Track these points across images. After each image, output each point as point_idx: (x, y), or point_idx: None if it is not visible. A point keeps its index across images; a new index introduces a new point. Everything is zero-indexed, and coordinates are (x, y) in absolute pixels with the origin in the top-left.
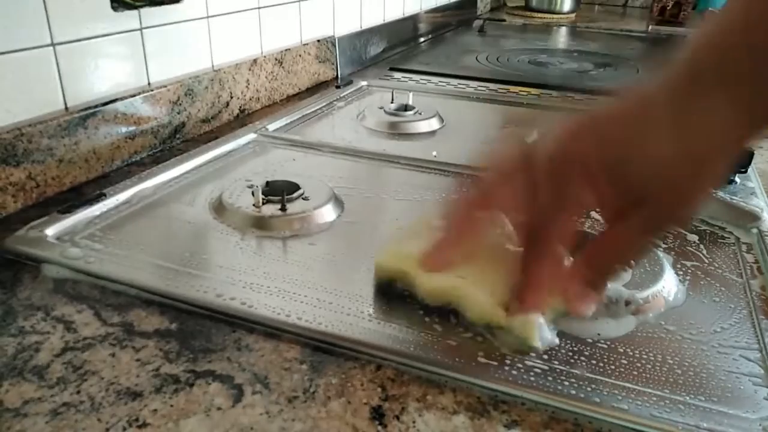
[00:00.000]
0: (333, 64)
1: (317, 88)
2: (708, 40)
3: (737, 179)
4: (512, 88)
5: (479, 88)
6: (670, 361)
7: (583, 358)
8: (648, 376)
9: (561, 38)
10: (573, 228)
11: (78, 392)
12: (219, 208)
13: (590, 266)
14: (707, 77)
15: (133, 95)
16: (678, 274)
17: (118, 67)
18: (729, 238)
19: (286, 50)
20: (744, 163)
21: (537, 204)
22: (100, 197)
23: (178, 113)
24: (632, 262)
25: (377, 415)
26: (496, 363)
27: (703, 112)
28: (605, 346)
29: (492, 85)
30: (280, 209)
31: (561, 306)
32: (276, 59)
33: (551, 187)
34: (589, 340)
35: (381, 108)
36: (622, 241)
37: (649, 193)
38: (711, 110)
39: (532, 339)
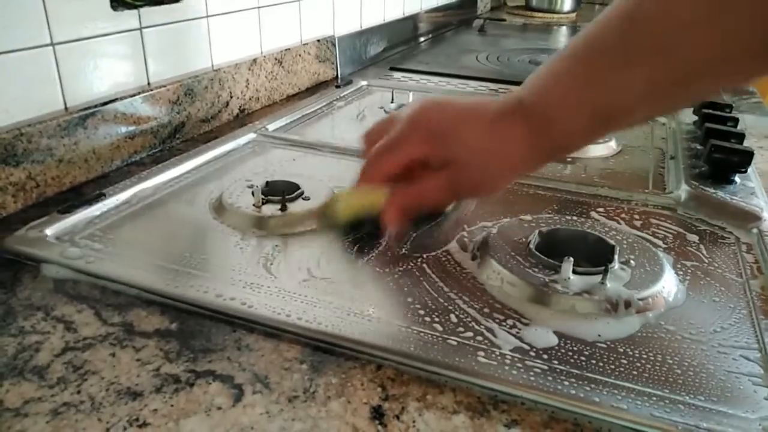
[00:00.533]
0: (333, 63)
1: (317, 87)
2: (530, 89)
3: (737, 179)
4: (513, 88)
5: (479, 88)
6: (670, 361)
7: (582, 358)
8: (648, 375)
9: (561, 38)
10: (396, 165)
11: (78, 392)
12: (219, 208)
13: (406, 195)
14: (517, 116)
15: (133, 95)
16: (678, 274)
17: (118, 67)
18: (729, 238)
19: (285, 50)
20: (744, 163)
21: (383, 141)
22: (100, 197)
23: (178, 113)
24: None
25: (377, 414)
26: (496, 363)
27: (507, 135)
28: (605, 346)
29: (492, 85)
30: (280, 209)
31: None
32: (276, 59)
33: (396, 136)
34: (589, 340)
35: (381, 108)
36: (430, 187)
37: (456, 162)
38: (511, 138)
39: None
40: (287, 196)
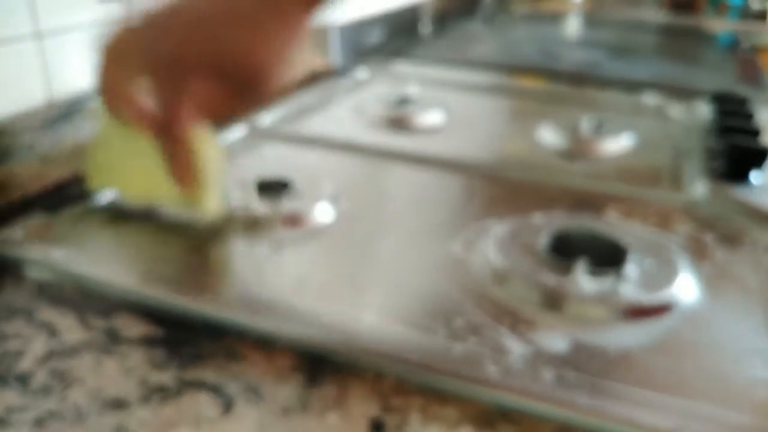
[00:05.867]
0: (331, 53)
1: (314, 79)
2: None
3: (755, 176)
4: (520, 79)
5: (485, 78)
6: (687, 368)
7: (595, 366)
8: (664, 383)
9: (571, 27)
10: (194, 113)
11: (63, 400)
12: None
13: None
14: None
15: None
16: (693, 276)
17: None
18: (745, 238)
19: None
20: (761, 160)
21: (160, 104)
22: (86, 196)
23: None
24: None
25: (377, 427)
26: (503, 371)
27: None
28: (619, 352)
29: (499, 76)
30: (273, 208)
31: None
32: None
33: (170, 89)
34: (603, 347)
35: (381, 100)
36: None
37: (237, 74)
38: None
39: (203, 205)
40: (281, 194)
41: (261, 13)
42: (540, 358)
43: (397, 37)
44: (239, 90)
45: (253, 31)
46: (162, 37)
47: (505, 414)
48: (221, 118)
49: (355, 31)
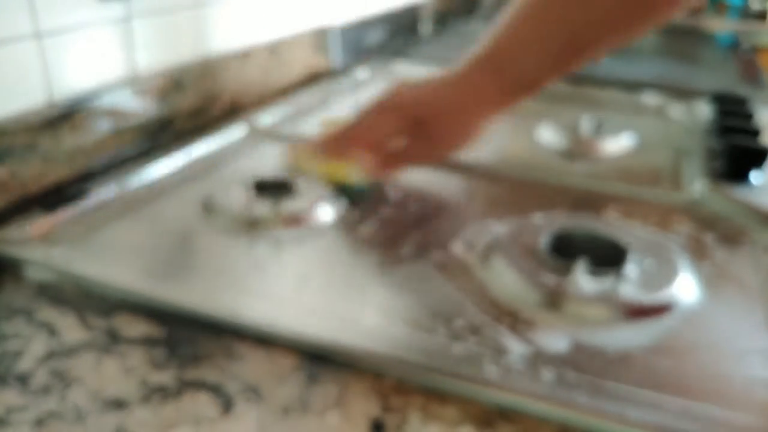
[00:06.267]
0: (330, 54)
1: (313, 80)
2: (486, 42)
3: (755, 176)
4: None
5: None
6: (687, 368)
7: (596, 366)
8: (664, 383)
9: None
10: (374, 138)
11: (63, 400)
12: (209, 206)
13: (389, 163)
14: (480, 66)
15: (120, 88)
16: (693, 276)
17: (104, 58)
18: (745, 238)
19: (280, 40)
20: (761, 160)
21: (360, 123)
22: (86, 195)
23: (167, 106)
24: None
25: (377, 427)
26: (503, 371)
27: (472, 85)
28: (619, 352)
29: None
30: (273, 208)
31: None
32: (269, 49)
33: (373, 117)
34: (603, 347)
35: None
36: (410, 151)
37: (428, 121)
38: (476, 85)
39: (346, 176)
40: (281, 195)
41: (481, 107)
42: (540, 358)
43: (397, 37)
44: (428, 151)
45: (469, 118)
46: (413, 101)
47: (505, 414)
48: (401, 165)
49: (356, 31)
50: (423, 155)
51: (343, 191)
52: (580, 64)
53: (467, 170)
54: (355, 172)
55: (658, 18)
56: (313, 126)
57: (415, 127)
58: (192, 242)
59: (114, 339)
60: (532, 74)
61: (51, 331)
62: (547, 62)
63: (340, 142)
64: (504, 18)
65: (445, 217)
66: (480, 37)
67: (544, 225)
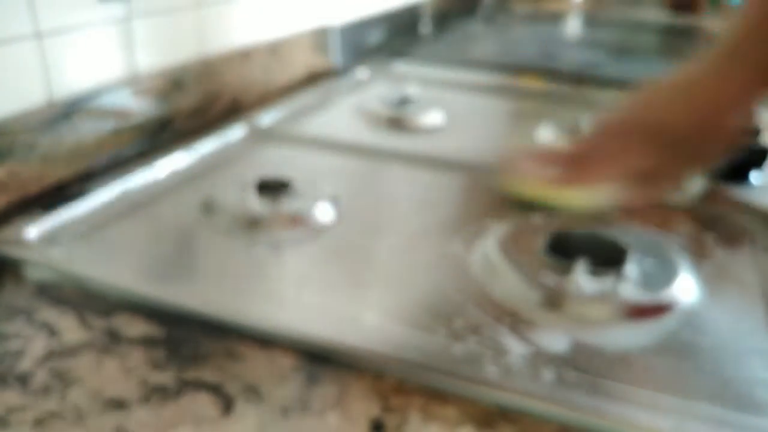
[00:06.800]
0: (330, 54)
1: (313, 79)
2: (737, 32)
3: (754, 177)
4: (521, 79)
5: (485, 78)
6: (687, 367)
7: (596, 366)
8: (664, 384)
9: (571, 27)
10: (617, 170)
11: (63, 400)
12: (209, 206)
13: (644, 201)
14: (731, 59)
15: (120, 87)
16: (694, 276)
17: (104, 58)
18: (745, 238)
19: (280, 39)
20: (760, 160)
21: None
22: (86, 195)
23: (167, 106)
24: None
25: (377, 427)
26: (503, 371)
27: (723, 80)
28: (619, 353)
29: (499, 76)
30: (273, 208)
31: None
32: (270, 49)
33: (617, 139)
34: (603, 347)
35: (381, 100)
36: (667, 182)
37: (683, 141)
38: (723, 90)
39: (587, 202)
40: (281, 194)
41: (734, 102)
42: (540, 358)
43: (397, 37)
44: (681, 169)
45: (723, 119)
46: (659, 115)
47: (505, 414)
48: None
49: (356, 31)
50: (676, 175)
51: (531, 207)
52: None
53: (467, 170)
54: (601, 198)
55: None
56: (317, 128)
57: (664, 146)
58: (192, 242)
59: (114, 339)
60: None
61: (51, 331)
62: None
63: (578, 166)
64: (743, 12)
65: (444, 217)
66: (718, 34)
67: (544, 225)
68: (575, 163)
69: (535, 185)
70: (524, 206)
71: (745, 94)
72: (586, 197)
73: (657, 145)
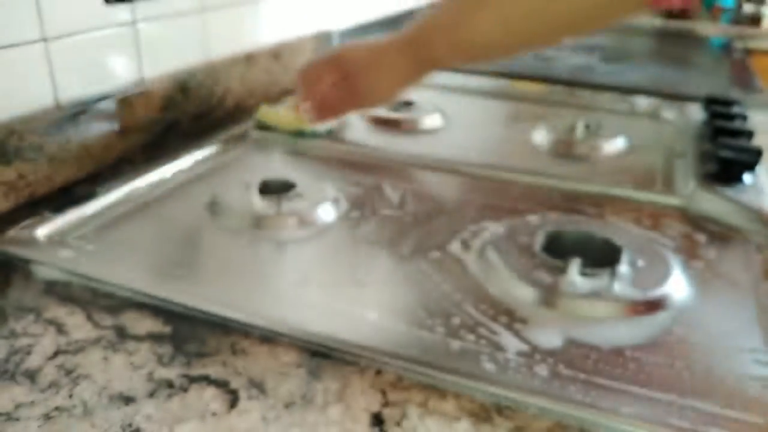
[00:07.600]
0: None
1: None
2: (415, 24)
3: (747, 178)
4: (517, 83)
5: (483, 83)
6: (679, 365)
7: (590, 362)
8: (657, 380)
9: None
10: (312, 88)
11: (70, 396)
12: (214, 207)
13: (315, 97)
14: (405, 43)
15: (126, 90)
16: (687, 276)
17: (111, 62)
18: (738, 237)
19: (282, 44)
20: (753, 162)
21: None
22: (93, 196)
23: (172, 109)
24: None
25: (377, 421)
26: (500, 367)
27: (394, 57)
28: (613, 349)
29: (496, 80)
30: (276, 208)
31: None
32: (273, 53)
33: (314, 69)
34: (597, 344)
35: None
36: (333, 94)
37: (353, 74)
38: (397, 59)
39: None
40: (284, 195)
41: (394, 76)
42: (535, 354)
43: None
44: (352, 103)
45: (384, 83)
46: (347, 58)
47: (501, 408)
48: (331, 111)
49: (356, 35)
50: (348, 106)
51: (302, 136)
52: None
53: (465, 172)
54: (302, 119)
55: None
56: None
57: (344, 80)
58: (197, 242)
59: (121, 336)
60: (443, 61)
61: (59, 328)
62: (458, 53)
63: (299, 98)
64: (434, 11)
65: (443, 217)
66: (421, 12)
67: (540, 225)
68: (299, 97)
69: (278, 116)
70: (270, 130)
71: (406, 71)
72: (300, 121)
73: (340, 75)
